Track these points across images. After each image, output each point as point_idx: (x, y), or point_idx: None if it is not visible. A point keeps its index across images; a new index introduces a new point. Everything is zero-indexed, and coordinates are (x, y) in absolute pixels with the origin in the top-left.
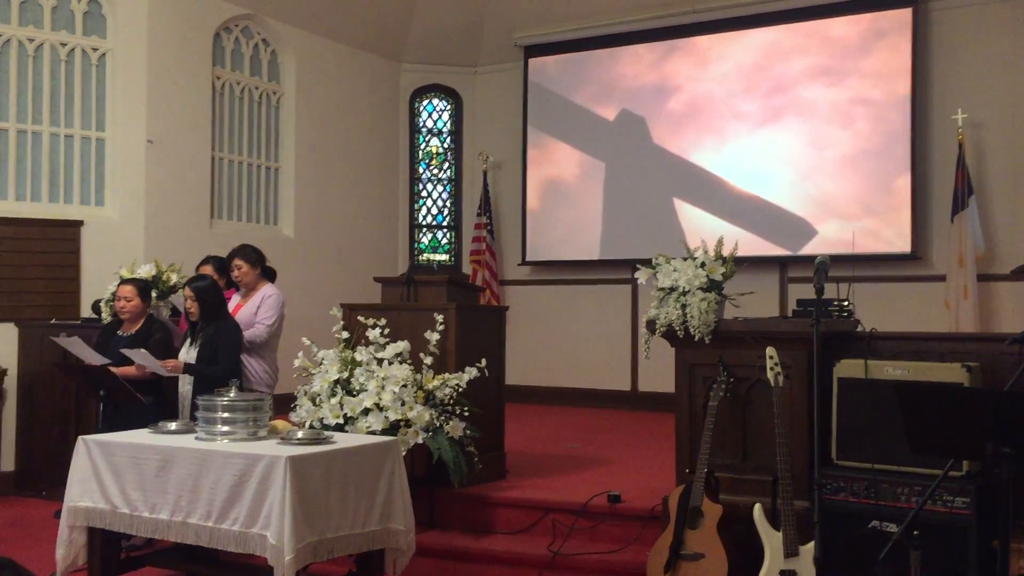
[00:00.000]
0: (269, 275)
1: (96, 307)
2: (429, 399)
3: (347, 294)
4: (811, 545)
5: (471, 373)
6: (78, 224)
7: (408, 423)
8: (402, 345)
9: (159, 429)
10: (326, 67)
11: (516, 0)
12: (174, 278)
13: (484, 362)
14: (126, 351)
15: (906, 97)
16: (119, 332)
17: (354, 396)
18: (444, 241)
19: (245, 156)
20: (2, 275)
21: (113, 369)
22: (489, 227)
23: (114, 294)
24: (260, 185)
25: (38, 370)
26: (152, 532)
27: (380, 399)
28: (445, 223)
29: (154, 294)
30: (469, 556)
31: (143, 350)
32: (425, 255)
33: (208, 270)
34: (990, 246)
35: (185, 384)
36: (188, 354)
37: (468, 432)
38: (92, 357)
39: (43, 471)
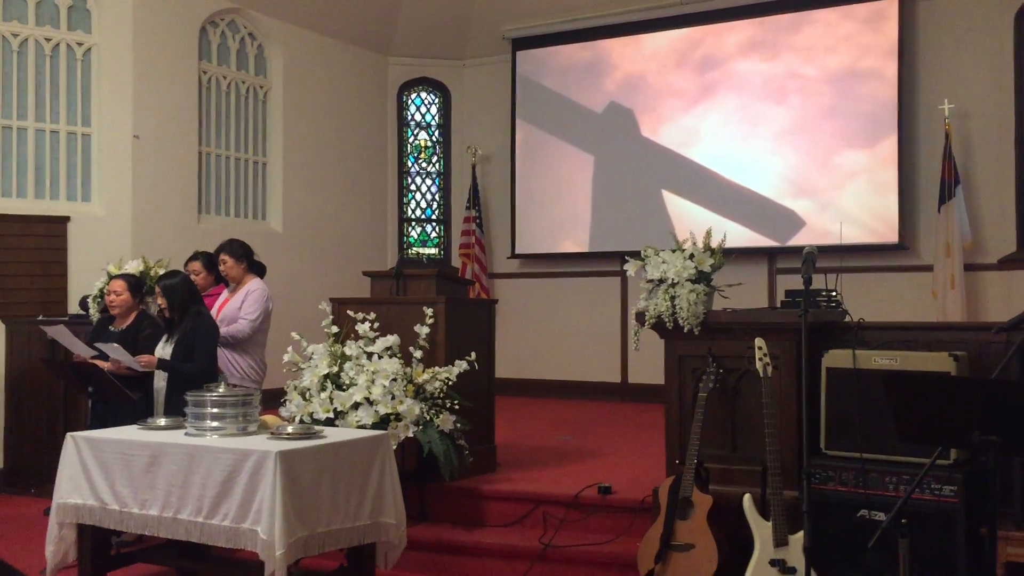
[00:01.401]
0: (257, 270)
1: (84, 303)
2: (419, 393)
3: (336, 288)
4: (800, 534)
5: (461, 366)
6: (64, 220)
7: (398, 417)
8: (391, 339)
9: (148, 425)
10: (313, 61)
11: None
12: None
13: (474, 355)
14: (100, 345)
15: (892, 88)
16: (111, 327)
17: (344, 390)
18: (433, 235)
19: (232, 151)
20: None
21: (97, 363)
22: (478, 220)
23: (102, 290)
24: (248, 180)
25: (25, 367)
26: (142, 528)
27: (370, 393)
28: (434, 217)
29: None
30: (460, 549)
31: (116, 344)
32: (414, 249)
33: (197, 266)
34: (977, 236)
35: (160, 380)
36: (164, 350)
37: (458, 425)
38: (78, 346)
39: (32, 468)
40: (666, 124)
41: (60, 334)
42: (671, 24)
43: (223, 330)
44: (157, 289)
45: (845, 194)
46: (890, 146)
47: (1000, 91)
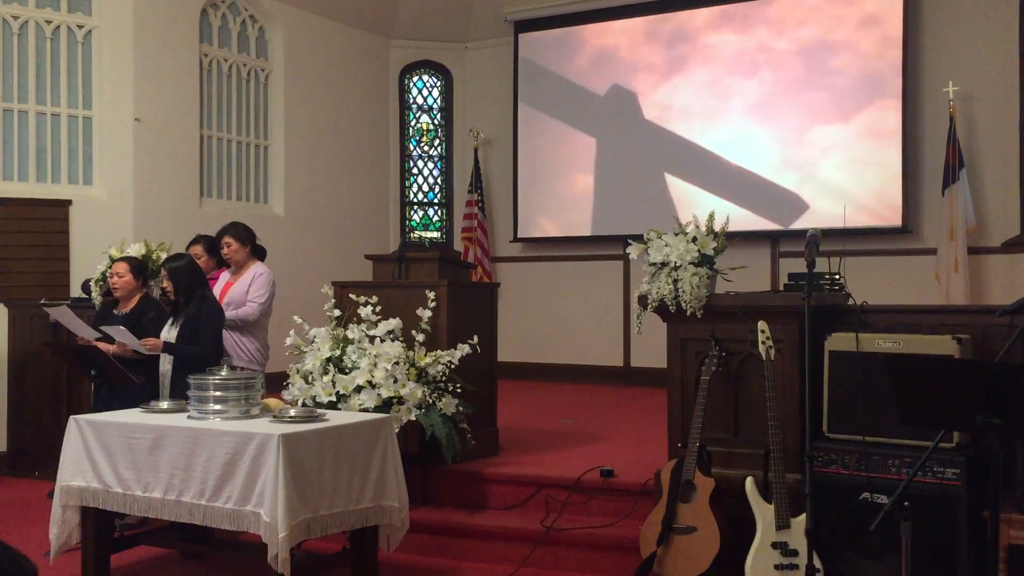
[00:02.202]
0: (259, 253)
1: (86, 287)
2: (421, 376)
3: (338, 272)
4: (803, 517)
5: (463, 350)
6: (66, 203)
7: (401, 400)
8: (394, 322)
9: (151, 408)
10: (315, 43)
11: None
12: (164, 257)
13: (476, 339)
14: (106, 328)
15: (897, 71)
16: (115, 311)
17: (346, 374)
18: (435, 218)
19: (234, 134)
20: None
21: (100, 345)
22: (480, 204)
23: (104, 273)
24: (249, 163)
25: (29, 350)
26: (145, 511)
27: (372, 376)
28: (436, 200)
29: None
30: (463, 532)
31: (122, 327)
32: (416, 232)
33: (198, 250)
34: (981, 219)
35: (165, 363)
36: (169, 333)
37: (461, 409)
38: (82, 328)
39: (35, 451)
40: (669, 107)
41: (64, 316)
42: (672, 6)
43: (231, 313)
44: (163, 272)
45: (847, 177)
46: (894, 129)
47: (1005, 75)
